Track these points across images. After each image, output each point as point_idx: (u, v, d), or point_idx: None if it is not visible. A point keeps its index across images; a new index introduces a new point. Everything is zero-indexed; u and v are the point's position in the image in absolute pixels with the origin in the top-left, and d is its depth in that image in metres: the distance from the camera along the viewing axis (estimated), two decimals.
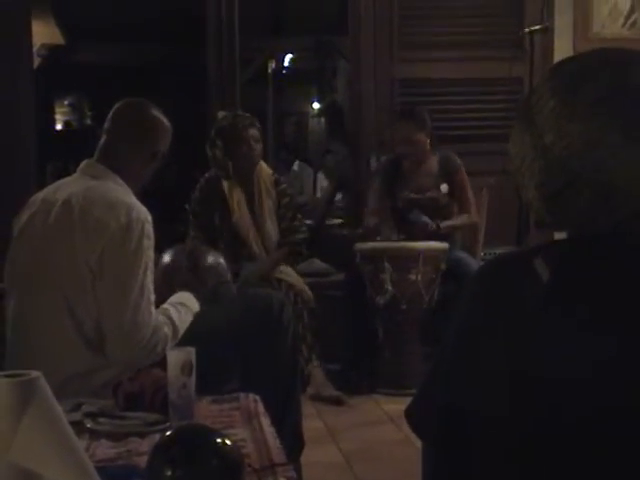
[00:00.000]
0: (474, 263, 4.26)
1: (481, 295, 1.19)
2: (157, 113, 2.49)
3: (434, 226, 4.30)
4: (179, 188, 5.30)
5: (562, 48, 5.07)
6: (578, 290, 1.11)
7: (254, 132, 4.11)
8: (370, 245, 4.29)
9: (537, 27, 4.79)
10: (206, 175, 4.24)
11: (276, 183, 4.22)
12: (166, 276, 2.56)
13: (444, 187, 4.46)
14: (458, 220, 4.48)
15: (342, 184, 6.39)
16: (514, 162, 1.20)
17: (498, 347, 1.12)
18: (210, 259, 2.70)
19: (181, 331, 2.38)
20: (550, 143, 1.13)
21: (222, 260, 2.74)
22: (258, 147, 4.12)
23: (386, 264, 4.13)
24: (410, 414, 1.26)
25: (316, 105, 10.77)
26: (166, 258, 2.66)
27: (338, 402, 4.02)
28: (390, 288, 4.12)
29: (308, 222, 5.28)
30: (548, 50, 5.07)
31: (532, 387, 1.09)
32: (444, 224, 4.36)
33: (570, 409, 1.07)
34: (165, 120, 2.51)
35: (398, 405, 3.71)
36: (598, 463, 1.06)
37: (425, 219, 4.31)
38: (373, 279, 4.20)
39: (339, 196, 6.78)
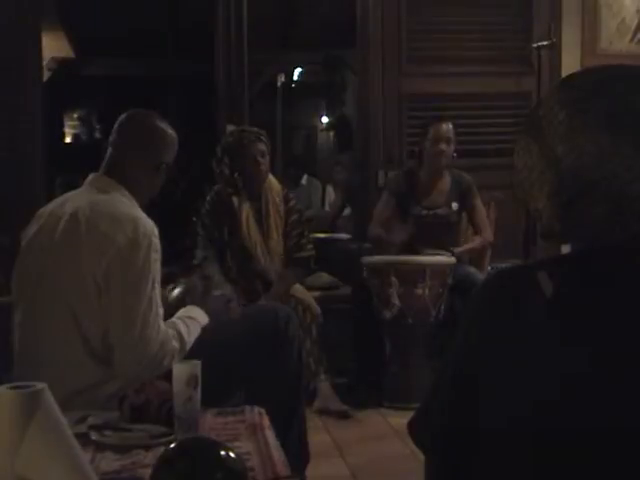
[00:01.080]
0: (480, 277, 4.26)
1: (485, 307, 1.19)
2: (162, 124, 2.48)
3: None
4: (188, 202, 5.32)
5: (570, 63, 5.08)
6: (580, 307, 1.11)
7: (260, 147, 4.10)
8: (377, 259, 4.28)
9: (545, 43, 4.81)
10: (215, 188, 4.24)
11: (285, 199, 4.22)
12: (179, 302, 2.57)
13: (455, 205, 4.47)
14: (475, 243, 4.49)
15: (350, 198, 6.40)
16: (521, 173, 1.20)
17: (500, 360, 1.12)
18: (220, 289, 2.74)
19: (189, 344, 2.38)
20: (562, 154, 1.13)
21: (228, 286, 2.78)
22: (265, 162, 4.11)
23: (393, 278, 4.12)
24: (412, 427, 1.26)
25: (325, 119, 10.79)
26: (180, 288, 2.66)
27: (345, 416, 4.01)
28: (397, 302, 4.12)
29: (318, 235, 5.29)
30: (556, 65, 5.08)
31: (531, 401, 1.09)
32: (458, 250, 4.36)
33: (569, 425, 1.07)
34: (170, 131, 2.50)
35: (405, 419, 3.67)
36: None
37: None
38: (380, 293, 4.19)
39: (347, 210, 6.79)
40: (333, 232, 6.27)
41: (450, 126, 4.45)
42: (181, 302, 2.59)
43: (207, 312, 2.54)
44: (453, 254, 4.29)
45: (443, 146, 4.41)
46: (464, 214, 4.56)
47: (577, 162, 1.12)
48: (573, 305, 1.11)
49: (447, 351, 1.24)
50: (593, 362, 1.06)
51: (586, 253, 1.16)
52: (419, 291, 4.14)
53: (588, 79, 1.18)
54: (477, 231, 4.53)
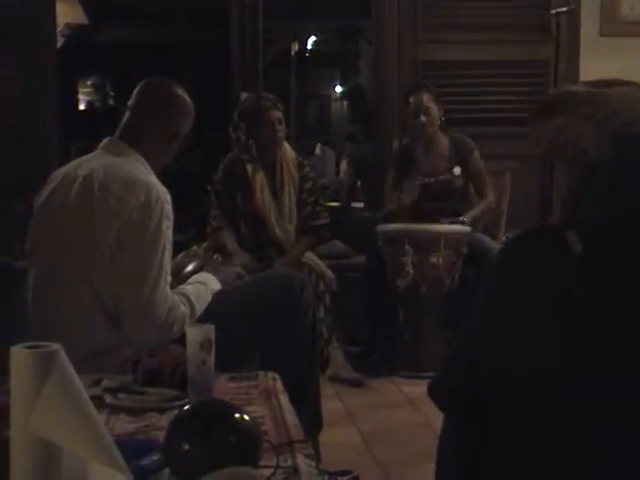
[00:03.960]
0: (495, 246, 4.23)
1: (511, 263, 1.20)
2: (182, 93, 2.49)
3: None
4: (202, 171, 5.31)
5: (589, 31, 5.01)
6: (610, 264, 1.11)
7: (277, 114, 4.09)
8: (392, 227, 4.26)
9: (563, 9, 4.73)
10: (230, 155, 4.23)
11: (299, 166, 4.20)
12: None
13: (457, 170, 4.42)
14: (479, 209, 4.44)
15: (361, 169, 6.37)
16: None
17: (526, 314, 1.12)
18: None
19: (199, 310, 2.38)
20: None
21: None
22: (281, 129, 4.10)
23: (407, 247, 4.10)
24: (432, 388, 1.26)
25: (339, 88, 10.74)
26: (190, 267, 2.66)
27: (357, 384, 4.01)
28: (411, 271, 4.10)
29: (333, 204, 5.27)
30: (574, 33, 5.01)
31: (557, 357, 1.08)
32: (468, 216, 4.32)
33: (596, 382, 1.06)
34: (189, 101, 2.50)
35: (417, 388, 3.74)
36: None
37: None
38: (394, 261, 4.17)
39: (359, 181, 6.76)
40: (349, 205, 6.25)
41: (427, 95, 4.38)
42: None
43: (220, 279, 2.54)
44: (464, 222, 4.27)
45: (422, 118, 4.36)
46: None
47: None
48: (601, 264, 1.11)
49: (465, 314, 1.23)
50: (617, 319, 1.06)
51: (616, 217, 1.16)
52: (433, 260, 4.12)
53: None
54: (479, 195, 4.48)
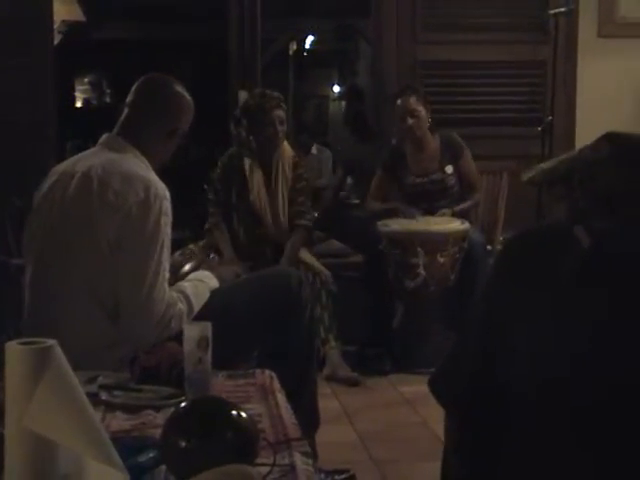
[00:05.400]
0: (484, 241, 4.26)
1: (517, 258, 1.20)
2: (181, 89, 2.48)
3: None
4: (199, 169, 5.29)
5: (586, 31, 5.01)
6: (616, 260, 1.11)
7: (280, 113, 4.08)
8: (397, 228, 4.21)
9: (562, 10, 4.73)
10: (229, 151, 4.24)
11: (295, 166, 4.20)
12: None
13: (449, 168, 4.42)
14: (467, 203, 4.44)
15: (351, 169, 6.37)
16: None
17: (532, 309, 1.12)
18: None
19: (197, 307, 2.37)
20: None
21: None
22: (282, 129, 4.09)
23: (419, 249, 4.07)
24: (434, 385, 1.26)
25: (337, 88, 10.73)
26: (187, 267, 2.65)
27: (354, 383, 4.01)
28: (423, 272, 4.09)
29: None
30: (572, 33, 5.01)
31: (563, 351, 1.08)
32: (457, 208, 4.33)
33: (601, 375, 1.06)
34: (188, 97, 2.49)
35: (414, 387, 3.75)
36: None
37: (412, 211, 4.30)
38: (401, 262, 4.15)
39: (350, 180, 6.75)
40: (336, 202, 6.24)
41: (413, 98, 4.37)
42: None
43: (218, 277, 2.54)
44: (453, 213, 4.28)
45: (409, 121, 4.36)
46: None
47: None
48: (609, 257, 1.11)
49: (469, 311, 1.23)
50: (621, 313, 1.06)
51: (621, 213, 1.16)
52: (441, 259, 4.11)
53: None
54: (470, 192, 4.48)
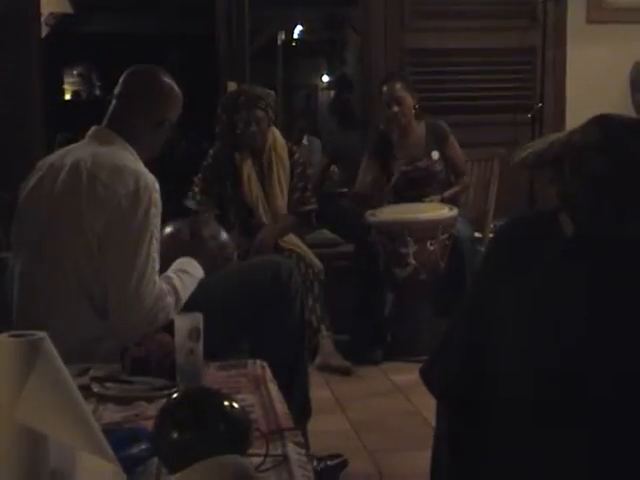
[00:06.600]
0: (471, 233, 4.27)
1: (506, 247, 1.20)
2: (168, 80, 2.47)
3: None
4: (188, 162, 5.27)
5: (575, 18, 5.01)
6: (598, 249, 1.10)
7: (256, 113, 4.04)
8: (386, 218, 4.21)
9: None
10: (216, 145, 4.22)
11: (290, 153, 4.20)
12: (167, 245, 2.50)
13: (435, 154, 4.41)
14: (455, 188, 4.45)
15: (336, 158, 6.37)
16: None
17: (518, 296, 1.12)
18: (211, 230, 2.67)
19: (184, 299, 2.36)
20: None
21: (224, 233, 2.72)
22: (261, 127, 4.05)
23: (409, 238, 4.07)
24: (425, 374, 1.26)
25: (326, 78, 10.70)
26: (168, 229, 2.62)
27: (346, 372, 4.02)
28: (413, 262, 4.09)
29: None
30: (561, 20, 5.01)
31: (549, 338, 1.08)
32: (446, 193, 4.35)
33: (585, 363, 1.06)
34: (176, 88, 2.48)
35: (406, 376, 3.75)
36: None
37: None
38: (391, 252, 4.14)
39: (334, 169, 6.74)
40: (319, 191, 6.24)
41: (399, 84, 4.37)
42: (168, 245, 2.51)
43: (202, 264, 2.50)
44: (443, 199, 4.29)
45: (395, 108, 4.35)
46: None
47: None
48: (591, 245, 1.11)
49: (459, 299, 1.24)
50: (601, 300, 1.06)
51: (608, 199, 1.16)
52: (431, 247, 4.11)
53: None
54: (457, 177, 4.49)
